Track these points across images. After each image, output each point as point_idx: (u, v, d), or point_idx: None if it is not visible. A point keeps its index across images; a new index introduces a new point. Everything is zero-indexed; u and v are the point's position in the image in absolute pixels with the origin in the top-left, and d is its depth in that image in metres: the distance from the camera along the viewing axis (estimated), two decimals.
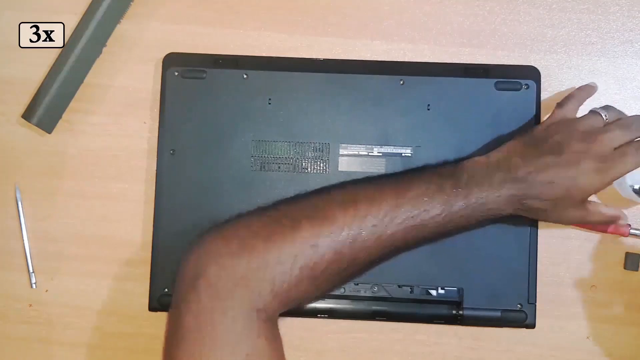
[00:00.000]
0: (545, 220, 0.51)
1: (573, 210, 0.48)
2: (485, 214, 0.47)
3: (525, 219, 0.51)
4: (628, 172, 0.47)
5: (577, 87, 0.53)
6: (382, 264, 0.48)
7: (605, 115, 0.49)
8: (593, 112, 0.50)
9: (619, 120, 0.49)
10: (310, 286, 0.45)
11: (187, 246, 0.45)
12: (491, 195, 0.47)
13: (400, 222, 0.46)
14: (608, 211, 0.49)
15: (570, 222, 0.52)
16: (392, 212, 0.46)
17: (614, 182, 0.53)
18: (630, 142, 0.48)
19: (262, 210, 0.49)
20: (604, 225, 0.53)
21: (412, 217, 0.46)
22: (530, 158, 0.47)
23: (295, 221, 0.45)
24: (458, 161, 0.50)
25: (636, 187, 0.54)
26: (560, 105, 0.51)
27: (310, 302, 0.52)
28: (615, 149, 0.47)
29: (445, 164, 0.52)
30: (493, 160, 0.49)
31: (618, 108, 0.51)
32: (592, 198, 0.51)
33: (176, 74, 0.55)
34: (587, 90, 0.52)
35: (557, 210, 0.48)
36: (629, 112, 0.55)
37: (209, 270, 0.42)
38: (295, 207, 0.48)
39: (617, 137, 0.47)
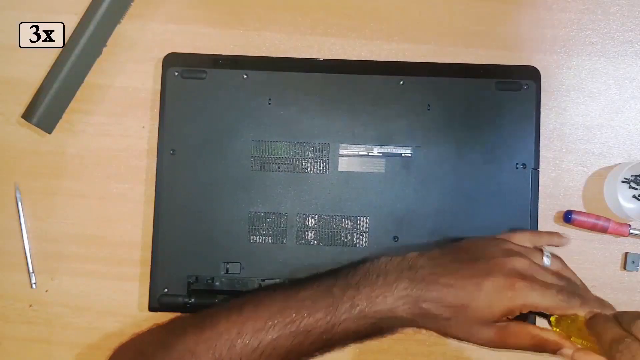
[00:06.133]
0: (452, 336, 0.44)
1: (482, 328, 0.42)
2: (376, 319, 0.43)
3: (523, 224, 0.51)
4: (527, 306, 0.41)
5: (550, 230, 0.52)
6: None
7: (548, 258, 0.45)
8: (539, 250, 0.46)
9: (559, 270, 0.45)
10: None
11: None
12: (383, 295, 0.42)
13: (282, 327, 0.42)
14: (545, 335, 0.41)
15: (484, 343, 0.43)
16: (275, 317, 0.42)
17: (607, 199, 0.53)
18: (549, 284, 0.42)
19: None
20: (591, 228, 0.53)
21: (293, 321, 0.42)
22: (440, 260, 0.43)
23: (182, 329, 0.44)
24: (366, 260, 0.45)
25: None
26: (514, 230, 0.49)
27: None
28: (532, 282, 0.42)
29: (355, 263, 0.46)
30: (397, 259, 0.44)
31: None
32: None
33: (176, 74, 0.55)
34: (555, 239, 0.49)
35: (461, 323, 0.42)
36: (629, 113, 0.56)
37: None
38: (191, 316, 0.46)
39: (543, 276, 0.43)
